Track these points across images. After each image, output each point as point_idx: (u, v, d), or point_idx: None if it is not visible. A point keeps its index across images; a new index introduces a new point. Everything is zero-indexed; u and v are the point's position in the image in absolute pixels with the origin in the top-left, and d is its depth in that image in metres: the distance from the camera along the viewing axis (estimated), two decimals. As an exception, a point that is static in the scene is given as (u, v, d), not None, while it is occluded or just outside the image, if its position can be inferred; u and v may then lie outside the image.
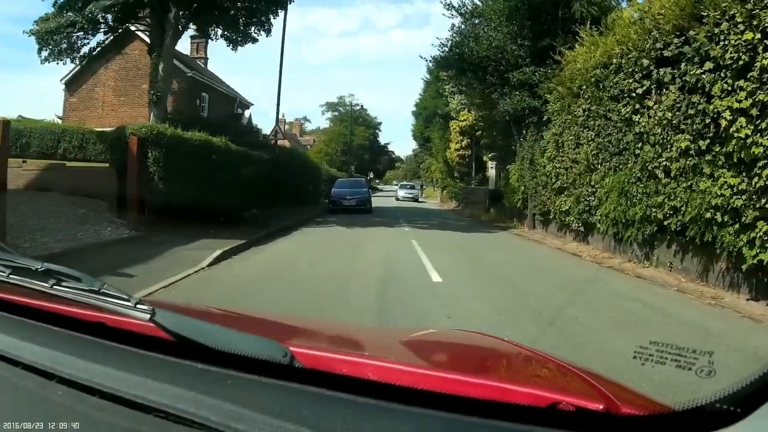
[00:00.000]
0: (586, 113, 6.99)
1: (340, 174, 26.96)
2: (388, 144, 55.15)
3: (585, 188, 7.10)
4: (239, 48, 12.02)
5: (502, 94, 10.62)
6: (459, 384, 0.52)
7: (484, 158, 21.74)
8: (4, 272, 0.65)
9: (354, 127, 42.68)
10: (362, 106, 50.26)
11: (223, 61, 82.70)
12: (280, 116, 39.98)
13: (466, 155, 22.37)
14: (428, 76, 28.34)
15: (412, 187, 30.90)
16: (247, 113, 20.15)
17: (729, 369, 1.94)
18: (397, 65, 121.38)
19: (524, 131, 10.52)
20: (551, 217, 8.89)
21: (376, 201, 23.82)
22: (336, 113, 46.32)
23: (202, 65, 19.18)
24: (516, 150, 11.30)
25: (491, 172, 19.08)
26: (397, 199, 26.72)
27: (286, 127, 43.18)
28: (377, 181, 51.51)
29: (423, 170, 42.47)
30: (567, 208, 7.88)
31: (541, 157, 9.28)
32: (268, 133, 13.87)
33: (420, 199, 29.09)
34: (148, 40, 11.36)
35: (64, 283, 0.60)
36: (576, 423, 0.47)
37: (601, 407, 0.48)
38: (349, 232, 9.28)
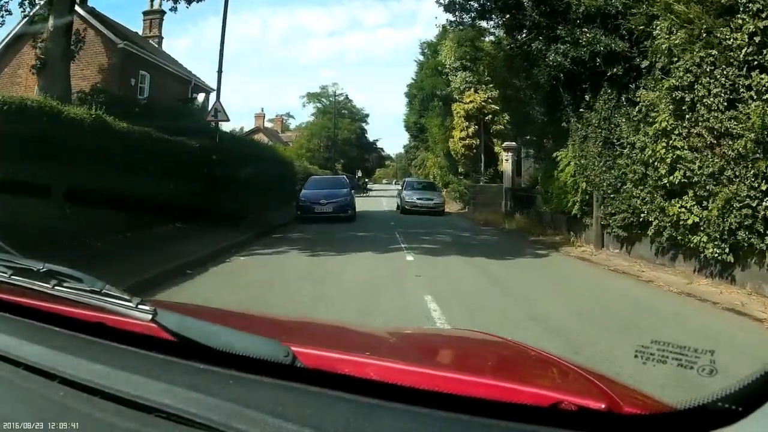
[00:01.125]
0: (758, 40, 6.60)
1: (324, 173, 32.70)
2: (377, 140, 72.49)
3: (748, 183, 6.77)
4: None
5: (551, 40, 10.79)
6: (461, 383, 0.91)
7: (496, 148, 25.93)
8: (6, 273, 1.08)
9: (339, 120, 56.42)
10: (347, 95, 66.14)
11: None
12: (259, 111, 51.60)
13: (474, 145, 27.05)
14: (421, 58, 36.13)
15: (431, 188, 26.22)
16: (200, 97, 23.95)
17: None
18: (386, 64, 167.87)
19: (587, 96, 10.67)
20: (650, 233, 8.94)
21: (363, 204, 25.12)
22: (319, 105, 61.46)
23: (155, 44, 23.18)
24: (570, 128, 11.61)
25: (506, 166, 22.26)
26: (404, 210, 23.24)
27: (269, 124, 61.74)
28: (367, 180, 65.82)
29: (415, 167, 51.96)
30: (695, 219, 7.72)
31: (633, 132, 9.39)
32: (242, 124, 18.45)
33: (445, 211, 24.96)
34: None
35: (65, 284, 1.04)
36: (578, 422, 0.82)
37: (603, 407, 0.85)
38: (308, 265, 9.14)
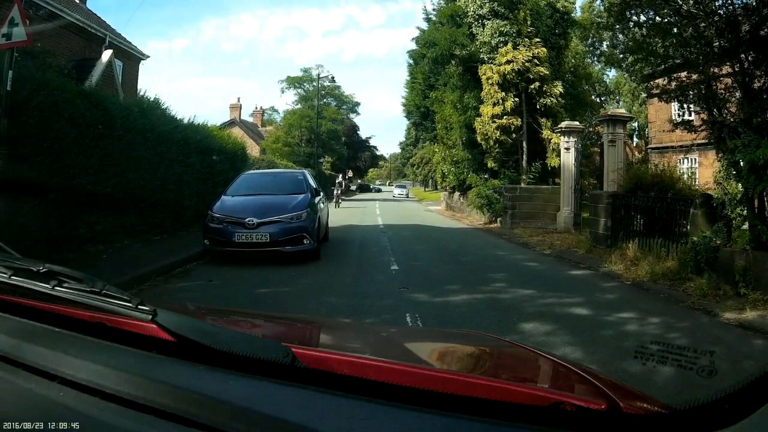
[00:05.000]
0: None
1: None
2: (369, 138, 67.88)
3: None
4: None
5: None
6: (461, 384, 0.92)
7: (545, 132, 19.02)
8: (5, 274, 1.08)
9: (323, 108, 49.42)
10: (333, 78, 56.81)
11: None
12: (235, 101, 46.18)
13: (513, 126, 19.37)
14: (424, 26, 27.79)
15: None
16: (105, 56, 18.45)
17: None
18: (381, 65, 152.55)
19: None
20: None
21: (349, 213, 21.15)
22: (300, 91, 53.31)
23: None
24: None
25: (566, 157, 15.86)
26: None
27: (249, 118, 52.66)
28: (359, 180, 60.47)
29: (411, 166, 50.25)
30: None
31: None
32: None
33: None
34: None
35: (65, 284, 1.05)
36: (578, 423, 0.84)
37: (602, 407, 0.87)
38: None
